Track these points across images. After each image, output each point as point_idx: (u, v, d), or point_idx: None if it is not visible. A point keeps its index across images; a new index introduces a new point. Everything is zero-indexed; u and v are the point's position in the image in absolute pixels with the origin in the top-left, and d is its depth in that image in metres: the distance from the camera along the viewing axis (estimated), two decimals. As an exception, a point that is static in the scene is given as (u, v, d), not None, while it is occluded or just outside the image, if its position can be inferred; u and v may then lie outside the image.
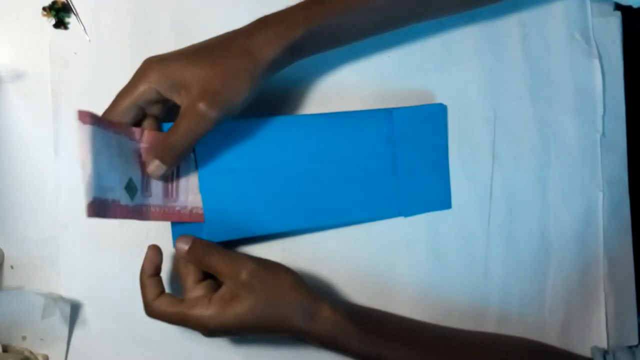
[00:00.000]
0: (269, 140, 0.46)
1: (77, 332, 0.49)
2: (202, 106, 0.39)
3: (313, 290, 0.43)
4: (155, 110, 0.43)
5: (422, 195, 0.52)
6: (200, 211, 0.44)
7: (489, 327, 0.53)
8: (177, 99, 0.41)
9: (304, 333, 0.42)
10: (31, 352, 0.48)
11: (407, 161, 0.50)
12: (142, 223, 0.49)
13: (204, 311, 0.41)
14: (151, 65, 0.41)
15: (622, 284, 0.55)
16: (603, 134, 0.55)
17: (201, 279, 0.43)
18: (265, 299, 0.41)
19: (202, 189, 0.44)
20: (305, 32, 0.42)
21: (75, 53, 0.50)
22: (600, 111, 0.55)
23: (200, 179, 0.44)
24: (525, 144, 0.54)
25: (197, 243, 0.42)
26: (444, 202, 0.53)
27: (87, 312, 0.49)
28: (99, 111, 0.50)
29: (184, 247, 0.42)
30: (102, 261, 0.49)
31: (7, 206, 0.49)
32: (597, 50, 0.55)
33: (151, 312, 0.42)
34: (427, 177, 0.52)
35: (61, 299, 0.48)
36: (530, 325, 0.53)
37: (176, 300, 0.42)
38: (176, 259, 0.47)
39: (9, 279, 0.49)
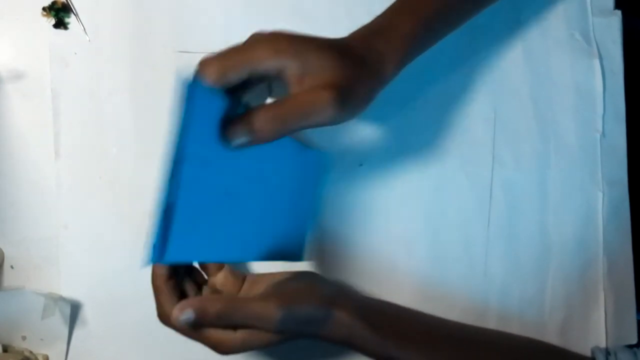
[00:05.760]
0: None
1: (77, 332, 0.49)
2: (329, 96, 0.34)
3: (326, 291, 0.43)
4: (251, 91, 0.37)
5: (276, 241, 0.43)
6: None
7: (489, 326, 0.53)
8: (294, 84, 0.35)
9: (317, 337, 0.42)
10: (31, 352, 0.48)
11: (274, 200, 0.42)
12: (142, 223, 0.49)
13: (230, 337, 0.39)
14: (284, 38, 0.35)
15: (621, 284, 0.55)
16: (603, 134, 0.55)
17: (180, 298, 0.41)
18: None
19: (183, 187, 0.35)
20: (419, 37, 0.41)
21: (75, 53, 0.49)
22: (600, 111, 0.55)
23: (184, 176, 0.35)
24: (525, 144, 0.54)
25: (205, 309, 0.37)
26: (296, 253, 0.45)
27: (87, 312, 0.49)
28: (99, 110, 0.50)
29: (189, 316, 0.37)
30: (102, 261, 0.49)
31: (7, 206, 0.49)
32: (597, 50, 0.55)
33: (167, 321, 0.40)
34: (286, 222, 0.44)
35: (61, 299, 0.48)
36: (529, 325, 0.53)
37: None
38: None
39: (9, 279, 0.49)
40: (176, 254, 0.35)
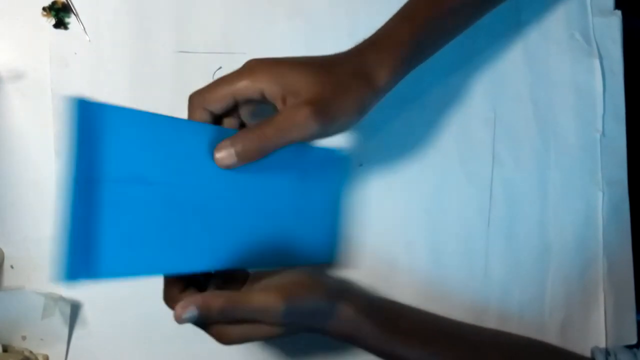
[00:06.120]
0: (186, 149, 0.37)
1: (77, 332, 0.49)
2: (305, 112, 0.37)
3: (330, 288, 0.43)
4: (243, 111, 0.40)
5: (305, 245, 0.44)
6: None
7: (489, 326, 0.53)
8: (279, 104, 0.38)
9: (321, 331, 0.42)
10: (31, 352, 0.48)
11: (297, 204, 0.43)
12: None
13: (231, 329, 0.39)
14: (261, 64, 0.38)
15: (621, 284, 0.55)
16: (603, 134, 0.55)
17: (184, 288, 0.41)
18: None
19: (106, 200, 0.33)
20: (414, 47, 0.42)
21: (75, 53, 0.50)
22: (600, 111, 0.55)
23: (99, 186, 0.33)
24: (525, 144, 0.54)
25: (209, 305, 0.37)
26: (327, 254, 0.47)
27: (87, 312, 0.49)
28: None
29: (193, 312, 0.37)
30: (102, 261, 0.49)
31: (7, 206, 0.49)
32: (597, 50, 0.55)
33: (172, 306, 0.40)
34: (314, 225, 0.45)
35: (61, 299, 0.48)
36: (529, 325, 0.53)
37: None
38: None
39: (9, 279, 0.49)
40: (112, 269, 0.34)
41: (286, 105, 0.38)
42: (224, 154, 0.37)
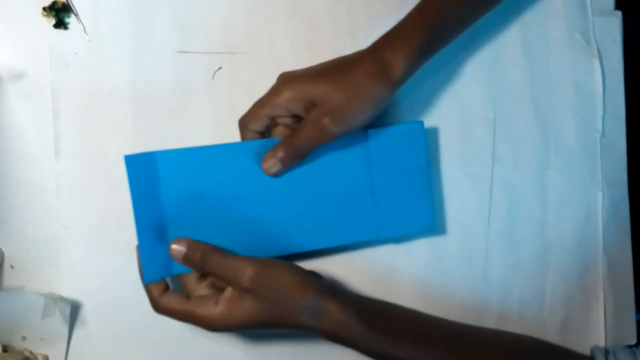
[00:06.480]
0: (239, 165, 0.45)
1: (77, 332, 0.49)
2: (326, 120, 0.43)
3: (320, 286, 0.43)
4: (287, 120, 0.46)
5: (402, 217, 0.49)
6: None
7: (489, 326, 0.53)
8: (305, 114, 0.44)
9: (311, 330, 0.43)
10: (31, 352, 0.48)
11: (385, 182, 0.49)
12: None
13: (211, 311, 0.41)
14: (285, 83, 0.45)
15: (621, 284, 0.55)
16: (603, 134, 0.55)
17: (202, 275, 0.44)
18: (271, 301, 0.41)
19: (172, 219, 0.44)
20: (427, 37, 0.45)
21: (75, 53, 0.50)
22: (600, 111, 0.55)
23: (168, 209, 0.44)
24: (525, 144, 0.54)
25: (194, 248, 0.43)
26: (426, 223, 0.50)
27: (87, 312, 0.49)
28: (99, 110, 0.50)
29: (182, 249, 0.43)
30: (102, 261, 0.49)
31: (7, 206, 0.49)
32: (597, 50, 0.55)
33: (159, 309, 0.43)
34: (407, 198, 0.49)
35: (61, 299, 0.48)
36: (529, 325, 0.53)
37: (183, 298, 0.43)
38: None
39: (9, 279, 0.49)
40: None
41: (310, 115, 0.44)
42: (270, 164, 0.44)
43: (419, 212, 0.50)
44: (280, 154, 0.44)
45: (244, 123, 0.46)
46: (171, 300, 0.43)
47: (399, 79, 0.44)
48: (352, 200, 0.48)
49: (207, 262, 0.42)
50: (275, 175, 0.45)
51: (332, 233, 0.48)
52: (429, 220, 0.50)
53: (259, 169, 0.45)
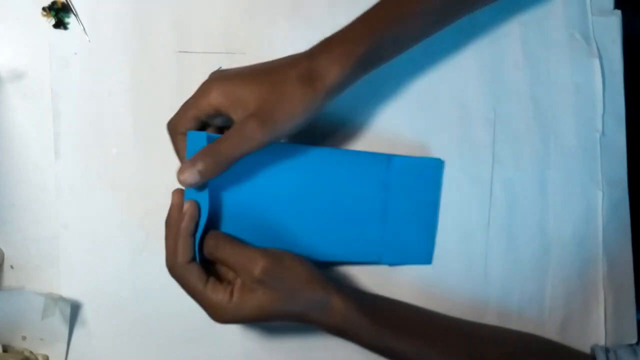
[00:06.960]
0: (266, 166, 0.45)
1: (77, 332, 0.49)
2: (252, 125, 0.40)
3: (326, 281, 0.44)
4: (217, 122, 0.43)
5: (405, 246, 0.51)
6: None
7: (489, 326, 0.53)
8: (234, 116, 0.41)
9: (316, 323, 0.43)
10: (31, 352, 0.48)
11: (397, 210, 0.50)
12: (142, 223, 0.49)
13: (224, 300, 0.41)
14: (213, 83, 0.42)
15: (621, 283, 0.55)
16: (603, 133, 0.55)
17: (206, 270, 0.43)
18: (281, 295, 0.41)
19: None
20: (370, 46, 0.42)
21: (75, 53, 0.50)
22: (600, 111, 0.55)
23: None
24: (525, 144, 0.54)
25: (209, 234, 0.42)
26: (425, 257, 0.52)
27: (87, 312, 0.49)
28: (99, 110, 0.50)
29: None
30: (102, 261, 0.49)
31: (7, 206, 0.49)
32: (597, 50, 0.55)
33: (176, 274, 0.41)
34: (413, 229, 0.51)
35: (61, 299, 0.48)
36: (529, 324, 0.53)
37: (203, 277, 0.41)
38: None
39: (9, 279, 0.49)
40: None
41: (238, 116, 0.41)
42: (187, 175, 0.40)
43: (421, 245, 0.52)
44: (199, 165, 0.40)
45: (172, 126, 0.43)
46: (193, 273, 0.41)
47: (331, 88, 0.41)
48: (363, 220, 0.49)
49: (219, 249, 0.42)
50: (193, 186, 0.41)
51: (337, 248, 0.48)
52: (428, 254, 0.52)
53: (286, 173, 0.45)
